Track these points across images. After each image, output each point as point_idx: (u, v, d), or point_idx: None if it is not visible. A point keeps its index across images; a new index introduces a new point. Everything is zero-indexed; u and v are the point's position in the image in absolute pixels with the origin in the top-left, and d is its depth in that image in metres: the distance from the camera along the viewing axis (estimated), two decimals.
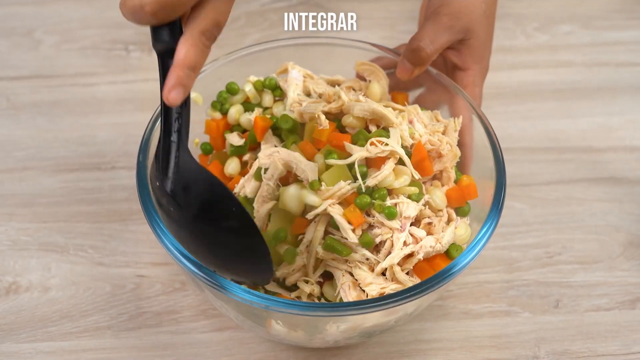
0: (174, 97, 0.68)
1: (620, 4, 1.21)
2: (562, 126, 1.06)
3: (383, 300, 0.74)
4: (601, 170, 1.02)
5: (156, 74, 1.07)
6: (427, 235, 0.79)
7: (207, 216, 0.74)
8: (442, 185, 0.83)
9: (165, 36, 0.68)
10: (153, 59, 1.12)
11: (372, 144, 0.79)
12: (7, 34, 1.15)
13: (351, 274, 0.80)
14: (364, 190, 0.78)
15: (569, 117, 1.07)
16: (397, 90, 0.93)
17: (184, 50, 0.68)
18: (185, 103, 0.72)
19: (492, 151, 0.83)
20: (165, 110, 0.71)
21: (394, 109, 0.85)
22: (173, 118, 0.72)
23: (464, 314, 0.90)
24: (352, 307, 0.75)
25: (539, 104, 1.09)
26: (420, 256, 0.78)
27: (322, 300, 0.81)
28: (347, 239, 0.78)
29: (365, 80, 0.91)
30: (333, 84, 0.91)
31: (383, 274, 0.79)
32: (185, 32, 0.68)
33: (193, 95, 0.87)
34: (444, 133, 0.85)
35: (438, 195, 0.81)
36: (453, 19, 0.87)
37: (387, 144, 0.79)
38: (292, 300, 0.78)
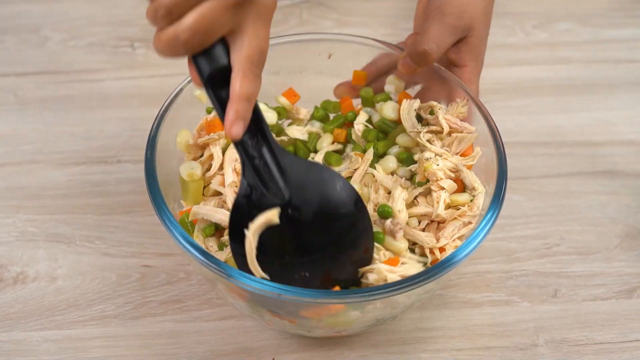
0: (236, 132, 0.69)
1: (619, 2, 1.22)
2: (560, 121, 1.08)
3: (385, 288, 0.75)
4: (599, 164, 1.03)
5: (161, 71, 1.12)
6: None
7: (327, 209, 0.77)
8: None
9: (205, 65, 0.68)
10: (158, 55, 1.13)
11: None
12: (15, 31, 1.16)
13: None
14: None
15: (567, 112, 1.09)
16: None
17: (237, 83, 0.68)
18: (254, 115, 0.72)
19: (493, 141, 0.84)
20: (235, 144, 0.73)
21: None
22: (248, 144, 0.73)
23: (463, 303, 0.91)
24: (358, 294, 0.75)
25: (538, 99, 1.10)
26: None
27: None
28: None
29: None
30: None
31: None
32: (234, 64, 0.68)
33: (197, 93, 0.88)
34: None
35: None
36: (457, 19, 0.88)
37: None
38: (302, 288, 0.78)
